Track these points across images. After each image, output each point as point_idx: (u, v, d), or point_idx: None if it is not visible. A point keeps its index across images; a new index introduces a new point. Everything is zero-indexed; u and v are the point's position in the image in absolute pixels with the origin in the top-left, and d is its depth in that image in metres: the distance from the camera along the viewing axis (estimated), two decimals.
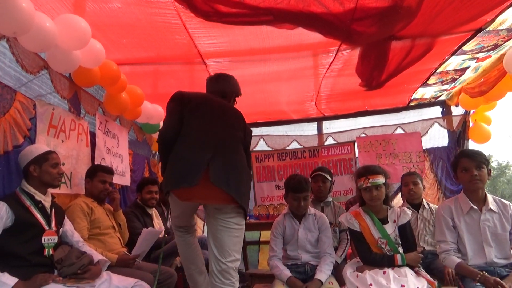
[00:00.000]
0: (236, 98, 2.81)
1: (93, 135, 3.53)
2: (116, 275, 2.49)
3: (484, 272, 2.23)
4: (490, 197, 2.44)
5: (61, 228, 2.50)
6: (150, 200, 3.69)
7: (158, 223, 3.81)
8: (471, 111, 4.77)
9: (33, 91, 2.95)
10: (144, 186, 3.72)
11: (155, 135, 4.84)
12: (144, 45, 3.13)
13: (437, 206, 3.02)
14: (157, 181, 3.87)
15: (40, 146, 2.55)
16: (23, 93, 2.63)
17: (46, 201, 2.41)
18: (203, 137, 2.38)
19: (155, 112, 4.26)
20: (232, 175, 2.31)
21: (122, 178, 4.04)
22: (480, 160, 2.36)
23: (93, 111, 3.48)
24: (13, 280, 2.02)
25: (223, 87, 2.73)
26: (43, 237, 2.28)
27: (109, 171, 3.16)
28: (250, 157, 2.62)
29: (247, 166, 2.49)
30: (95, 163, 3.41)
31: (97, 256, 2.54)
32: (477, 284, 2.20)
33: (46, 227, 2.32)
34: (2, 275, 2.01)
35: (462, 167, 2.41)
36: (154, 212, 3.82)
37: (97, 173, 3.07)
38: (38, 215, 2.30)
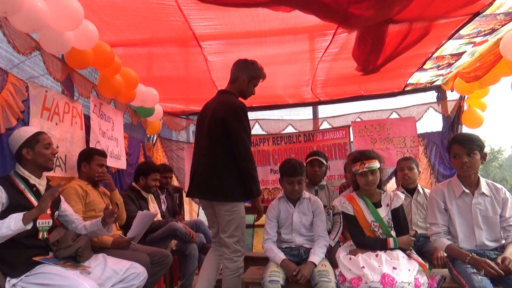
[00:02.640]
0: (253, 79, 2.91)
1: (87, 118, 3.50)
2: (111, 258, 2.51)
3: (473, 254, 2.28)
4: (483, 181, 2.45)
5: (56, 212, 2.50)
6: (154, 187, 3.75)
7: (153, 206, 3.82)
8: (466, 96, 4.78)
9: (26, 73, 2.91)
10: (150, 173, 3.71)
11: (150, 119, 4.81)
12: (138, 27, 3.08)
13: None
14: (160, 168, 3.91)
15: (29, 128, 2.50)
16: (15, 75, 2.59)
17: (41, 185, 2.40)
18: (195, 152, 2.95)
19: (149, 95, 4.23)
20: (201, 182, 2.80)
21: (118, 161, 4.03)
22: (471, 147, 2.35)
23: (87, 94, 3.44)
24: (19, 214, 2.09)
25: (231, 72, 2.97)
26: (37, 221, 2.28)
27: (104, 154, 3.15)
28: (237, 136, 2.69)
29: (219, 155, 2.72)
30: (90, 146, 3.40)
31: (97, 222, 2.58)
32: (467, 266, 2.25)
33: None
34: (9, 216, 2.08)
35: (454, 153, 2.42)
36: (149, 196, 3.83)
37: (94, 156, 3.05)
38: (33, 199, 2.29)
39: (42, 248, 2.29)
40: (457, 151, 2.39)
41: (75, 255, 2.32)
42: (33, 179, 2.35)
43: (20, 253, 2.16)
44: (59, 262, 2.23)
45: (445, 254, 2.62)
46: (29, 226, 2.11)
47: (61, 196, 2.63)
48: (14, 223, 2.05)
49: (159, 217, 3.81)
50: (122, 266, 2.47)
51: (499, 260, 2.20)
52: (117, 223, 3.17)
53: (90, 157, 3.06)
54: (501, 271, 2.13)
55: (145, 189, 3.72)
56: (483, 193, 2.41)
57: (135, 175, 3.81)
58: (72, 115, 3.21)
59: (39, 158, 2.36)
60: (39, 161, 2.36)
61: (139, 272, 2.52)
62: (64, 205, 2.59)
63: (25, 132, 2.39)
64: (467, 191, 2.43)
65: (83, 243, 2.38)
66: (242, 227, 2.78)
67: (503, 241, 2.38)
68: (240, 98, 2.92)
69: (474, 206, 2.40)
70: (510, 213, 2.39)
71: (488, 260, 2.20)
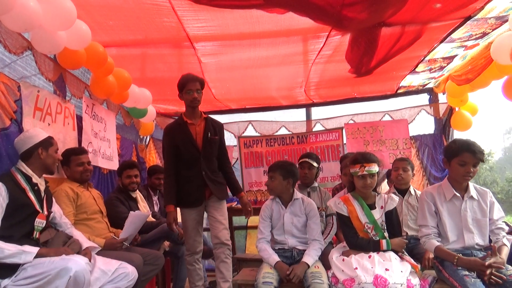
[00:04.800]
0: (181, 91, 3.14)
1: (79, 119, 3.47)
2: (100, 258, 2.49)
3: (460, 254, 2.31)
4: (471, 185, 2.50)
5: (52, 213, 2.50)
6: (130, 184, 3.61)
7: (143, 206, 3.78)
8: None
9: (17, 72, 2.88)
10: (122, 171, 3.66)
11: (143, 120, 4.79)
12: (131, 28, 3.06)
13: None
14: (136, 165, 3.79)
15: (41, 130, 2.55)
16: (7, 74, 2.57)
17: (41, 185, 2.42)
18: None
19: (142, 96, 4.21)
20: None
21: (110, 162, 4.00)
22: (480, 158, 2.39)
23: (79, 94, 3.42)
24: (35, 249, 2.12)
25: None
26: (36, 219, 2.28)
27: (82, 152, 3.07)
28: None
29: None
30: (82, 146, 3.36)
31: (84, 241, 2.53)
32: (458, 268, 2.27)
33: (39, 210, 2.32)
34: (23, 247, 2.09)
35: (462, 160, 2.40)
36: (138, 195, 3.78)
37: (70, 157, 2.98)
38: (33, 198, 2.30)
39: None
40: (468, 160, 2.38)
41: None
42: (35, 178, 2.38)
43: None
44: None
45: (432, 256, 2.65)
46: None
47: (53, 197, 2.61)
48: (24, 257, 2.09)
49: (151, 217, 3.79)
50: (111, 267, 2.44)
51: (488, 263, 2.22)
52: (108, 224, 3.15)
53: (67, 160, 2.98)
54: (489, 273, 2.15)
55: (124, 188, 3.65)
56: (471, 197, 2.46)
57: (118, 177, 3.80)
58: (64, 116, 3.19)
59: (49, 160, 2.46)
60: (48, 162, 2.46)
61: (128, 272, 2.49)
62: (54, 207, 2.57)
63: (42, 133, 2.48)
64: (458, 194, 2.47)
65: (76, 248, 2.36)
66: (184, 229, 3.20)
67: (488, 242, 2.43)
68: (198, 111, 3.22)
69: (464, 210, 2.45)
70: (497, 216, 2.45)
71: (477, 260, 2.24)
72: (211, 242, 3.29)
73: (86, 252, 2.37)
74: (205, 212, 3.24)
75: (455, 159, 2.43)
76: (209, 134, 3.14)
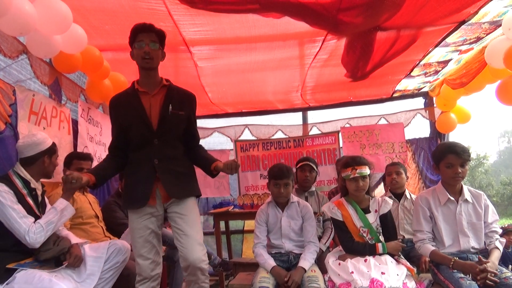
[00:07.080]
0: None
1: (75, 123, 3.46)
2: (88, 245, 2.49)
3: (456, 258, 2.31)
4: (465, 188, 2.50)
5: None
6: None
7: None
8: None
9: (12, 76, 2.88)
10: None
11: None
12: (127, 32, 3.02)
13: None
14: None
15: (45, 135, 2.50)
16: (2, 78, 2.56)
17: (39, 189, 2.41)
18: None
19: None
20: None
21: None
22: (465, 158, 2.39)
23: (75, 98, 3.41)
24: (64, 203, 2.32)
25: None
26: None
27: (85, 157, 3.05)
28: None
29: None
30: (78, 151, 3.35)
31: (73, 238, 2.52)
32: (454, 271, 2.27)
33: (40, 214, 2.32)
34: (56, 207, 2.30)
35: (448, 162, 2.41)
36: None
37: (73, 161, 2.98)
38: (32, 203, 2.30)
39: (26, 253, 2.25)
40: (453, 161, 2.39)
41: (58, 255, 2.29)
42: (33, 183, 2.37)
43: (5, 256, 2.14)
44: (36, 266, 2.19)
45: (429, 259, 2.65)
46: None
47: (46, 201, 2.59)
48: (66, 213, 2.31)
49: None
50: (102, 249, 2.45)
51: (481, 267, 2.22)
52: (104, 229, 3.13)
53: (69, 162, 2.99)
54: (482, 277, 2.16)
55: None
56: (466, 200, 2.46)
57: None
58: (59, 120, 3.17)
59: (51, 167, 2.45)
60: (49, 170, 2.46)
61: (119, 247, 2.49)
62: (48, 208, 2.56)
63: (47, 140, 2.45)
64: (452, 198, 2.47)
65: (67, 244, 2.35)
66: (132, 242, 2.39)
67: (484, 245, 2.43)
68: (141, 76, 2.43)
69: (459, 213, 2.45)
70: (492, 219, 2.45)
71: (473, 263, 2.24)
72: (180, 264, 2.38)
73: (70, 251, 2.32)
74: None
75: (442, 163, 2.45)
76: (170, 108, 2.31)
